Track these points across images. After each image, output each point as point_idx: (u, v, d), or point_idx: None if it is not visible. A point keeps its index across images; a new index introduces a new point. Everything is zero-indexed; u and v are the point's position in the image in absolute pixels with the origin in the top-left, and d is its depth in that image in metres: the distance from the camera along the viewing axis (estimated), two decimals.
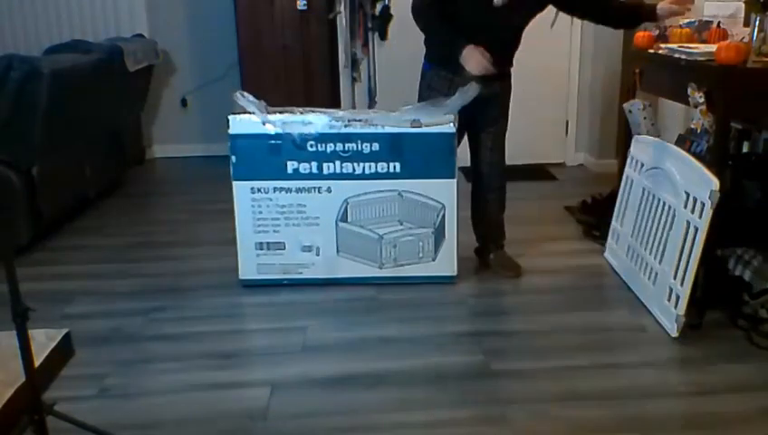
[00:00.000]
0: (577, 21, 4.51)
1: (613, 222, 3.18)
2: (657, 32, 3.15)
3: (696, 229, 2.40)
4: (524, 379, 2.26)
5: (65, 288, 2.97)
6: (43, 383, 2.09)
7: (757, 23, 2.58)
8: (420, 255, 2.93)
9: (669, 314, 2.50)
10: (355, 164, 2.82)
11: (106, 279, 3.09)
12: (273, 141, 2.79)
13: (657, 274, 2.64)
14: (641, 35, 3.14)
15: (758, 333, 2.47)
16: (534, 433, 1.99)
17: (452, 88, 2.72)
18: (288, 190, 2.84)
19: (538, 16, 2.81)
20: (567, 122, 4.83)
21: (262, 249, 2.90)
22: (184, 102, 5.28)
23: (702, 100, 2.56)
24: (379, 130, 2.78)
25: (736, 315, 2.56)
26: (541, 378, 2.26)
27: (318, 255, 2.90)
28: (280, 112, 2.80)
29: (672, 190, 2.62)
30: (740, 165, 2.74)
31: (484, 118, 2.87)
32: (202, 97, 5.20)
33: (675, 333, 2.46)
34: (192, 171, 5.04)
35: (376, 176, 2.84)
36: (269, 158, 2.81)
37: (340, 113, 2.84)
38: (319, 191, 2.84)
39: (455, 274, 2.95)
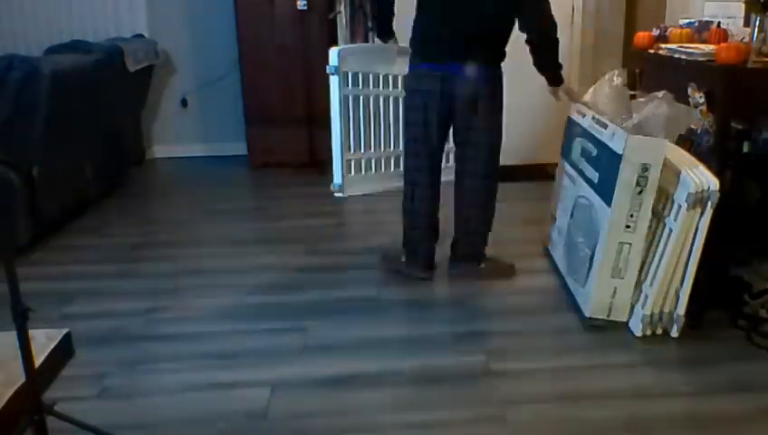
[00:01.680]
0: (577, 20, 4.52)
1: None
2: (657, 32, 3.16)
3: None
4: (524, 379, 2.26)
5: (65, 288, 2.97)
6: (43, 383, 2.09)
7: (757, 23, 2.58)
8: None
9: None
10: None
11: (106, 279, 3.09)
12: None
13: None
14: (641, 35, 3.15)
15: (758, 333, 2.47)
16: (534, 433, 1.99)
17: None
18: None
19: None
20: None
21: None
22: (184, 102, 5.28)
23: (702, 100, 2.56)
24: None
25: (736, 315, 2.56)
26: (541, 378, 2.26)
27: None
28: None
29: None
30: (740, 165, 2.74)
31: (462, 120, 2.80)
32: (202, 97, 5.20)
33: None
34: (192, 171, 5.04)
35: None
36: None
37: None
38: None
39: None
